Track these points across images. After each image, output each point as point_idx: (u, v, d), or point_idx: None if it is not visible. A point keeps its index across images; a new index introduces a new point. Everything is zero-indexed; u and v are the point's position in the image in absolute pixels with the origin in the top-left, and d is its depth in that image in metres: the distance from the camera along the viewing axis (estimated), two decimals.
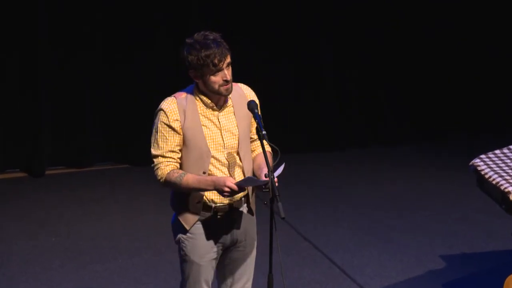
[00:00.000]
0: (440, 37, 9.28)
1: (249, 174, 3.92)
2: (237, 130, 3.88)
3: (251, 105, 3.82)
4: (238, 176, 3.89)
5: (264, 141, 3.74)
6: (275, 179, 3.67)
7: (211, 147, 3.82)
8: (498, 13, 9.39)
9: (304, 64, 8.94)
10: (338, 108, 9.18)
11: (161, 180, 3.81)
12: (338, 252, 6.15)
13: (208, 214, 3.88)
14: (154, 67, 8.24)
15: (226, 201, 3.87)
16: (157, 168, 3.81)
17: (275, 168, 3.70)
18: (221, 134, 3.84)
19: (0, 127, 7.98)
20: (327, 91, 9.09)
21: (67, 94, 8.13)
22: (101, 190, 7.73)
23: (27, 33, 7.84)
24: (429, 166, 8.61)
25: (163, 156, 3.80)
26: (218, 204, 3.87)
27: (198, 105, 3.82)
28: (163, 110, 3.79)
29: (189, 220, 3.87)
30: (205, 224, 3.88)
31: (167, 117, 3.78)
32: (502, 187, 4.44)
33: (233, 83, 3.82)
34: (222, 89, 3.76)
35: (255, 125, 3.98)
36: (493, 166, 4.69)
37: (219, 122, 3.84)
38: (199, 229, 3.88)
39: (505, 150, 4.90)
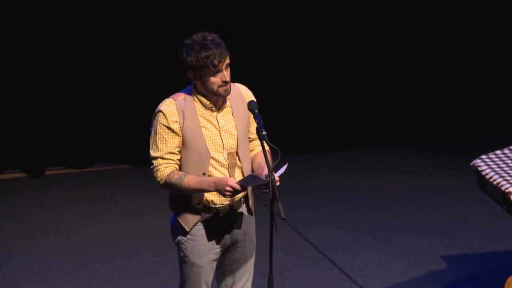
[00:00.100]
0: (440, 37, 9.28)
1: (248, 173, 3.91)
2: (235, 130, 3.88)
3: (251, 105, 3.81)
4: (238, 176, 3.89)
5: (264, 142, 3.74)
6: (277, 179, 3.68)
7: (211, 148, 3.81)
8: (498, 13, 9.38)
9: (304, 64, 8.93)
10: (338, 108, 9.17)
11: (161, 182, 3.80)
12: (339, 253, 6.15)
13: (208, 215, 3.87)
14: (154, 67, 8.24)
15: (226, 202, 3.87)
16: (157, 170, 3.80)
17: (277, 168, 3.70)
18: (220, 135, 3.84)
19: (0, 127, 7.97)
20: (327, 91, 9.09)
21: (67, 94, 8.13)
22: (101, 190, 7.73)
23: (27, 33, 7.84)
24: (429, 166, 8.60)
25: (163, 158, 3.79)
26: (218, 205, 3.87)
27: (196, 107, 3.81)
28: (162, 112, 3.78)
29: (189, 221, 3.87)
30: (205, 225, 3.88)
31: (166, 119, 3.77)
32: (503, 188, 4.44)
33: (231, 83, 3.81)
34: (221, 90, 3.76)
35: (253, 124, 3.98)
36: (494, 166, 4.69)
37: (218, 123, 3.84)
38: (199, 230, 3.88)
39: (506, 151, 4.89)
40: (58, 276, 5.76)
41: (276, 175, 3.67)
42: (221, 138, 3.84)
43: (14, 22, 7.80)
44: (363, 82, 9.21)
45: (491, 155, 4.85)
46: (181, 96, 3.83)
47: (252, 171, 3.95)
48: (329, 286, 5.60)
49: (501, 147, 4.98)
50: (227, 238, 3.95)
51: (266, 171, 3.67)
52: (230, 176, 3.84)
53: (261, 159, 3.93)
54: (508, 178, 4.51)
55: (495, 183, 4.53)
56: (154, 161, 3.81)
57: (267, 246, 3.76)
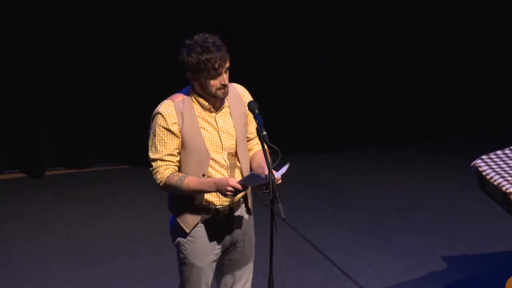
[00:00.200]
0: (440, 37, 9.27)
1: (247, 173, 3.91)
2: (234, 130, 3.87)
3: (251, 105, 3.81)
4: (237, 176, 3.89)
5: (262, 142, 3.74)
6: (279, 177, 3.67)
7: (210, 149, 3.81)
8: (498, 13, 9.37)
9: (304, 64, 8.92)
10: (338, 108, 9.16)
11: (160, 184, 3.79)
12: (339, 253, 6.14)
13: (207, 217, 3.87)
14: (154, 67, 8.23)
15: (226, 202, 3.87)
16: (156, 172, 3.79)
17: (279, 167, 3.69)
18: (219, 136, 3.83)
19: (0, 127, 7.96)
20: (327, 91, 9.08)
21: (67, 94, 8.12)
22: (101, 190, 7.72)
23: (27, 33, 7.83)
24: (429, 166, 8.59)
25: (162, 160, 3.78)
26: (218, 206, 3.86)
27: (195, 108, 3.80)
28: (161, 114, 3.76)
29: (189, 223, 3.86)
30: (205, 226, 3.88)
31: (165, 121, 3.75)
32: (503, 188, 4.43)
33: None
34: (219, 92, 3.75)
35: (250, 124, 3.98)
36: (494, 167, 4.68)
37: (217, 123, 3.83)
38: (199, 231, 3.87)
39: (507, 151, 4.89)
40: (58, 277, 5.76)
41: (278, 174, 3.66)
42: (220, 139, 3.83)
43: (14, 22, 7.79)
44: (363, 82, 9.20)
45: (492, 155, 4.85)
46: (179, 97, 3.82)
47: (251, 170, 3.95)
48: (329, 287, 5.59)
49: (501, 147, 4.98)
50: (227, 238, 3.94)
51: (266, 170, 3.66)
52: (229, 176, 3.84)
53: (260, 159, 3.93)
54: (509, 178, 4.51)
55: (495, 183, 4.52)
56: (153, 163, 3.80)
57: (267, 246, 3.76)
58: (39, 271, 5.85)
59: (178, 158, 3.81)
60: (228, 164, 3.86)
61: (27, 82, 7.94)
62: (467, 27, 9.32)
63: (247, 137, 4.01)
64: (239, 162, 3.90)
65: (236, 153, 3.89)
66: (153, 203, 7.15)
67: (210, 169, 3.82)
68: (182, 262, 3.94)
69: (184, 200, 3.84)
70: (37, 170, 8.08)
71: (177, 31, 8.03)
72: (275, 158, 3.65)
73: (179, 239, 3.91)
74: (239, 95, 3.95)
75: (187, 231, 3.86)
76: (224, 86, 3.74)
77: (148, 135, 3.84)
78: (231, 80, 3.86)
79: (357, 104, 9.25)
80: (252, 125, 4.00)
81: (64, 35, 7.99)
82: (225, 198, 3.83)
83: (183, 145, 3.79)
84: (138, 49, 8.21)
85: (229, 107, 3.88)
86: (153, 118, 3.81)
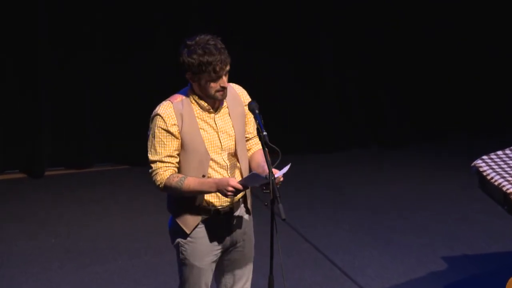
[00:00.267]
0: (440, 37, 9.27)
1: (246, 173, 3.91)
2: (233, 131, 3.87)
3: (252, 105, 3.81)
4: (237, 177, 3.88)
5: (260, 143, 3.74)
6: (281, 177, 3.67)
7: (209, 150, 3.80)
8: (498, 13, 9.37)
9: (304, 64, 8.92)
10: (338, 108, 9.16)
11: (160, 186, 3.78)
12: (339, 254, 6.14)
13: (207, 217, 3.86)
14: (154, 67, 8.23)
15: (225, 203, 3.86)
16: (156, 174, 3.78)
17: (279, 167, 3.69)
18: (218, 136, 3.83)
19: (0, 127, 7.96)
20: (327, 91, 9.07)
21: (67, 94, 8.11)
22: (101, 190, 7.72)
23: (27, 33, 7.82)
24: (429, 166, 8.59)
25: (162, 161, 3.77)
26: (217, 207, 3.86)
27: (194, 109, 3.80)
28: (160, 115, 3.76)
29: (189, 224, 3.86)
30: (205, 227, 3.87)
31: (165, 122, 3.75)
32: (504, 188, 4.43)
33: None
34: (218, 94, 3.75)
35: (249, 124, 3.98)
36: (495, 167, 4.68)
37: (216, 124, 3.83)
38: (199, 232, 3.87)
39: (507, 151, 4.89)
40: (58, 277, 5.75)
41: (280, 174, 3.66)
42: (219, 140, 3.83)
43: (14, 22, 7.79)
44: (363, 82, 9.20)
45: (492, 156, 4.85)
46: (178, 98, 3.81)
47: (251, 170, 3.95)
48: (329, 287, 5.59)
49: (501, 147, 4.98)
50: (227, 239, 3.94)
51: (267, 170, 3.66)
52: (229, 176, 3.84)
53: (259, 158, 3.93)
54: (510, 178, 4.51)
55: (496, 183, 4.52)
56: (152, 165, 3.79)
57: (267, 247, 3.76)
58: (39, 271, 5.85)
59: (177, 160, 3.81)
60: (228, 164, 3.85)
61: (27, 82, 7.94)
62: (467, 27, 9.32)
63: (246, 137, 4.00)
64: (238, 162, 3.90)
65: (235, 153, 3.88)
66: (153, 203, 7.15)
67: (210, 170, 3.81)
68: (182, 263, 3.94)
69: (184, 201, 3.84)
70: (37, 170, 8.08)
71: (177, 31, 8.03)
72: (275, 158, 3.64)
73: (179, 240, 3.90)
74: (237, 95, 3.95)
75: (187, 232, 3.86)
76: (223, 89, 3.74)
77: (147, 136, 3.83)
78: (231, 80, 3.86)
79: (357, 104, 9.25)
80: (251, 125, 4.00)
81: (64, 35, 7.99)
82: (225, 199, 3.83)
83: (182, 146, 3.79)
84: (138, 49, 8.21)
85: (227, 107, 3.88)
86: (152, 119, 3.80)
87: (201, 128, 3.80)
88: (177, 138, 3.77)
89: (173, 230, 3.94)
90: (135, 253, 6.16)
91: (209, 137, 3.81)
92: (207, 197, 3.82)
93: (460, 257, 6.07)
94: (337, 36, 8.99)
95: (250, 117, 3.94)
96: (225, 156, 3.84)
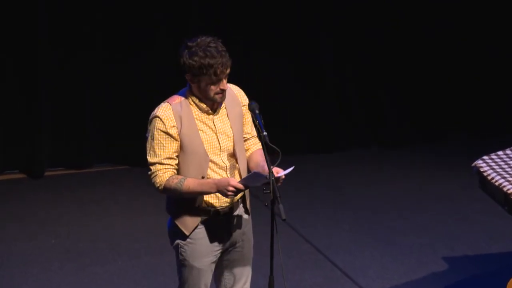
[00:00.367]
0: (440, 37, 9.26)
1: (244, 174, 3.90)
2: (231, 131, 3.87)
3: (252, 106, 3.81)
4: (236, 177, 3.88)
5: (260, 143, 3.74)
6: (283, 177, 3.67)
7: (209, 151, 3.80)
8: (498, 13, 9.37)
9: (304, 64, 8.91)
10: (338, 108, 9.15)
11: (160, 188, 3.77)
12: (339, 254, 6.13)
13: (207, 218, 3.86)
14: (154, 67, 8.22)
15: (225, 204, 3.86)
16: (155, 176, 3.77)
17: (280, 167, 3.69)
18: (217, 137, 3.83)
19: (0, 127, 7.95)
20: (327, 91, 9.06)
21: (67, 94, 8.11)
22: (101, 191, 7.71)
23: (27, 33, 7.82)
24: (429, 166, 8.58)
25: (161, 163, 3.77)
26: (217, 208, 3.86)
27: (193, 110, 3.79)
28: (159, 117, 3.75)
29: (189, 225, 3.85)
30: (205, 228, 3.87)
31: (164, 124, 3.74)
32: (504, 189, 4.43)
33: None
34: (217, 97, 3.75)
35: (247, 124, 3.98)
36: (495, 167, 4.68)
37: (215, 125, 3.83)
38: (198, 233, 3.87)
39: (508, 151, 4.89)
40: (58, 277, 5.75)
41: (282, 174, 3.66)
42: (218, 141, 3.83)
43: (14, 22, 7.78)
44: (363, 82, 9.19)
45: (493, 156, 4.85)
46: (176, 100, 3.80)
47: (249, 171, 3.94)
48: None
49: (501, 147, 4.98)
50: (226, 239, 3.94)
51: (266, 169, 3.66)
52: (228, 177, 3.84)
53: (258, 158, 3.92)
54: (510, 179, 4.51)
55: (496, 184, 4.52)
56: (152, 167, 3.78)
57: (267, 247, 3.75)
58: (39, 271, 5.84)
59: (177, 161, 3.80)
60: (228, 165, 3.85)
61: (27, 82, 7.93)
62: (467, 27, 9.31)
63: (244, 137, 4.00)
64: (237, 162, 3.90)
65: (234, 154, 3.88)
66: (153, 203, 7.14)
67: (209, 171, 3.81)
68: (181, 264, 3.93)
69: (184, 202, 3.83)
70: (37, 170, 8.07)
71: (177, 31, 8.03)
72: (275, 158, 3.64)
73: (178, 241, 3.90)
74: (235, 95, 3.94)
75: (187, 233, 3.86)
76: (223, 91, 3.74)
77: (146, 138, 3.83)
78: (231, 80, 3.85)
79: (357, 104, 9.24)
80: (248, 125, 4.00)
81: (64, 35, 7.98)
82: (224, 199, 3.83)
83: (181, 148, 3.78)
84: (138, 49, 8.20)
85: (226, 108, 3.88)
86: (151, 121, 3.79)
87: (200, 130, 3.79)
88: (176, 140, 3.76)
89: (172, 231, 3.93)
90: (135, 254, 6.16)
91: (208, 139, 3.80)
92: (206, 198, 3.82)
93: (461, 258, 6.07)
94: (337, 36, 8.98)
95: (248, 117, 3.94)
96: (224, 157, 3.84)
